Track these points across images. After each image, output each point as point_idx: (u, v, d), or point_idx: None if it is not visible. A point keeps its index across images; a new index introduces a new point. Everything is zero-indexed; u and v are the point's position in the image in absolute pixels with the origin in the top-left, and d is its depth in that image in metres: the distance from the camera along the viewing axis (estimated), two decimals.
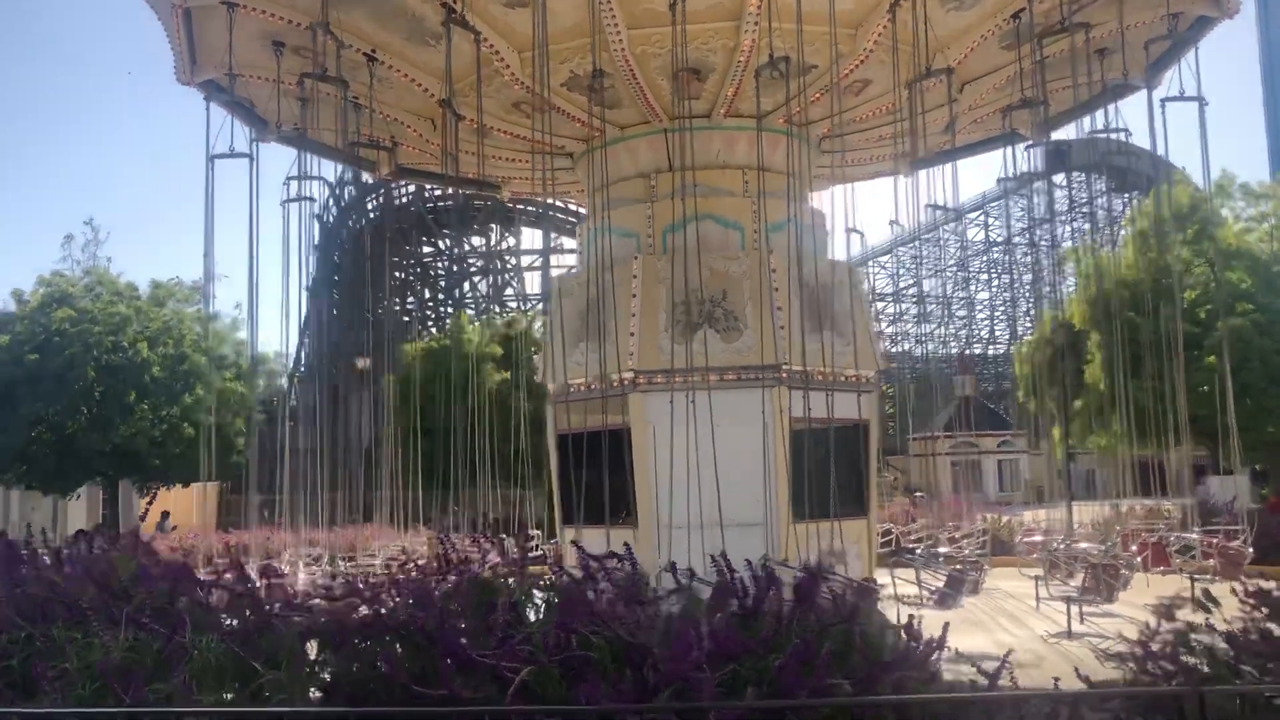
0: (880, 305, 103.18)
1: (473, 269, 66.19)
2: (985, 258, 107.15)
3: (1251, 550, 19.18)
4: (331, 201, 61.46)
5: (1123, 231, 38.96)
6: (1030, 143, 22.30)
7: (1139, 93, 20.37)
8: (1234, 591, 8.04)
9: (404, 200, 63.29)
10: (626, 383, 17.90)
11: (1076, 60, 18.70)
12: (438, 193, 60.39)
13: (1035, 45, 15.94)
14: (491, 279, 65.84)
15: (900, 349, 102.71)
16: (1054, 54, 18.71)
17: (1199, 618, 7.91)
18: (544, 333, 25.26)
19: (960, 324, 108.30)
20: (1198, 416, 31.97)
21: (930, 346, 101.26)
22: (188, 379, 36.32)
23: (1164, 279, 32.82)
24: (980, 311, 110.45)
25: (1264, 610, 7.92)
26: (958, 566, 16.41)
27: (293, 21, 16.47)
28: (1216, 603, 8.15)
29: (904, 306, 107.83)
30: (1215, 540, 18.81)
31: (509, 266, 66.64)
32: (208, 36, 17.48)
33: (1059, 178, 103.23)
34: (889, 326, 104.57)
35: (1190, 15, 18.34)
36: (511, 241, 64.95)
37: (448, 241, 63.49)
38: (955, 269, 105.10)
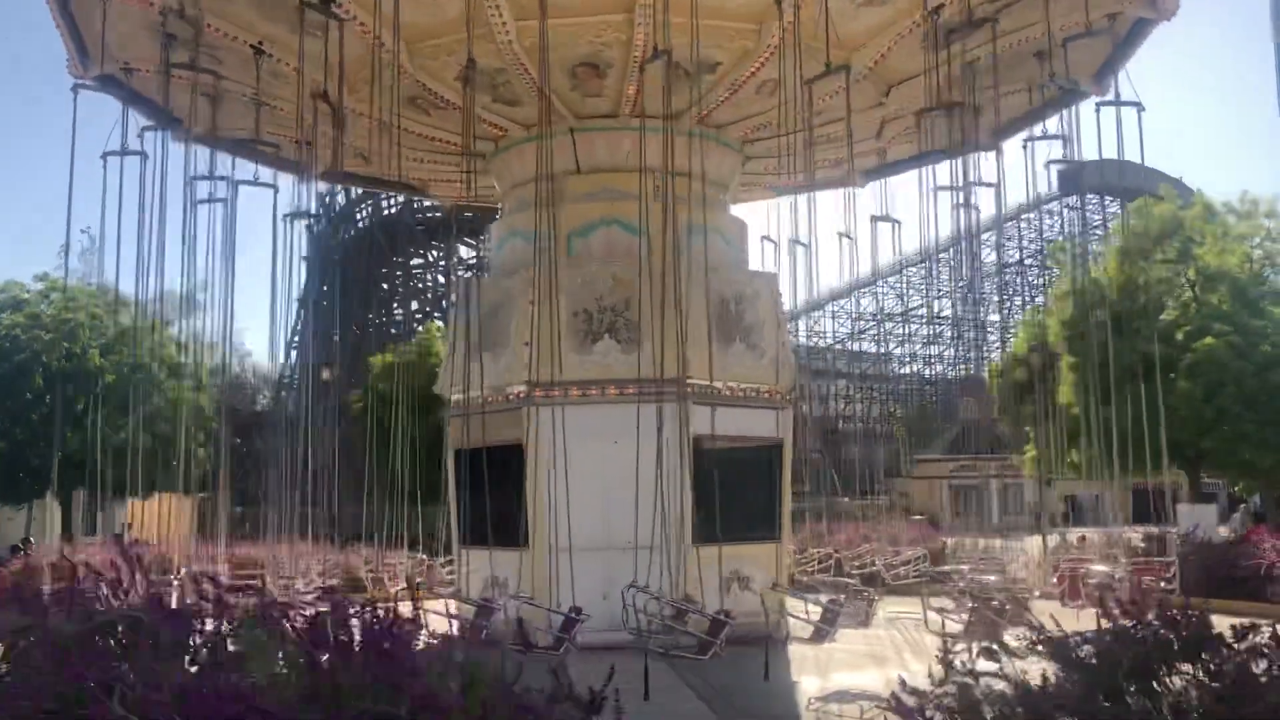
0: (889, 325, 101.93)
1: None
2: (998, 279, 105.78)
3: (1172, 585, 18.26)
4: (321, 212, 61.07)
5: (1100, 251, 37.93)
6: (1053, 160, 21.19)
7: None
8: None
9: (392, 211, 62.75)
10: (521, 396, 16.99)
11: (1018, 61, 17.94)
12: (428, 204, 59.81)
13: (945, 42, 14.96)
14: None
15: (909, 370, 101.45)
16: (987, 56, 17.85)
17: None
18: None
19: (968, 346, 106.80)
20: (1173, 441, 30.85)
21: (939, 369, 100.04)
22: (143, 388, 35.59)
23: (1141, 298, 31.78)
24: (992, 334, 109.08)
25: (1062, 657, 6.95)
26: (838, 597, 15.36)
27: (165, 10, 15.66)
28: (1009, 651, 7.17)
29: (913, 327, 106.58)
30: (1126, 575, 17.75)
31: None
32: (95, 28, 16.78)
33: (1072, 198, 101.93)
34: (898, 347, 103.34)
35: (1129, 17, 17.41)
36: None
37: (436, 253, 62.82)
38: (965, 289, 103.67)
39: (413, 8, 15.03)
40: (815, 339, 79.02)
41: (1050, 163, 20.15)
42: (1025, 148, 20.42)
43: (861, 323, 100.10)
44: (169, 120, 19.02)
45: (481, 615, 14.44)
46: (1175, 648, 6.30)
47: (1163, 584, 18.41)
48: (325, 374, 40.21)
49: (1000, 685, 6.93)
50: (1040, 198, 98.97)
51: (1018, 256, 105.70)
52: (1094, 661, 6.81)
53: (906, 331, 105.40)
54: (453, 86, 16.45)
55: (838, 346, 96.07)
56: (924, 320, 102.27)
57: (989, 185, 21.29)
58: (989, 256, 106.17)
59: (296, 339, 60.22)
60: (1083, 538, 25.46)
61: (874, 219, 21.90)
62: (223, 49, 16.89)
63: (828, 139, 19.62)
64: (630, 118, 17.58)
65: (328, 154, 20.24)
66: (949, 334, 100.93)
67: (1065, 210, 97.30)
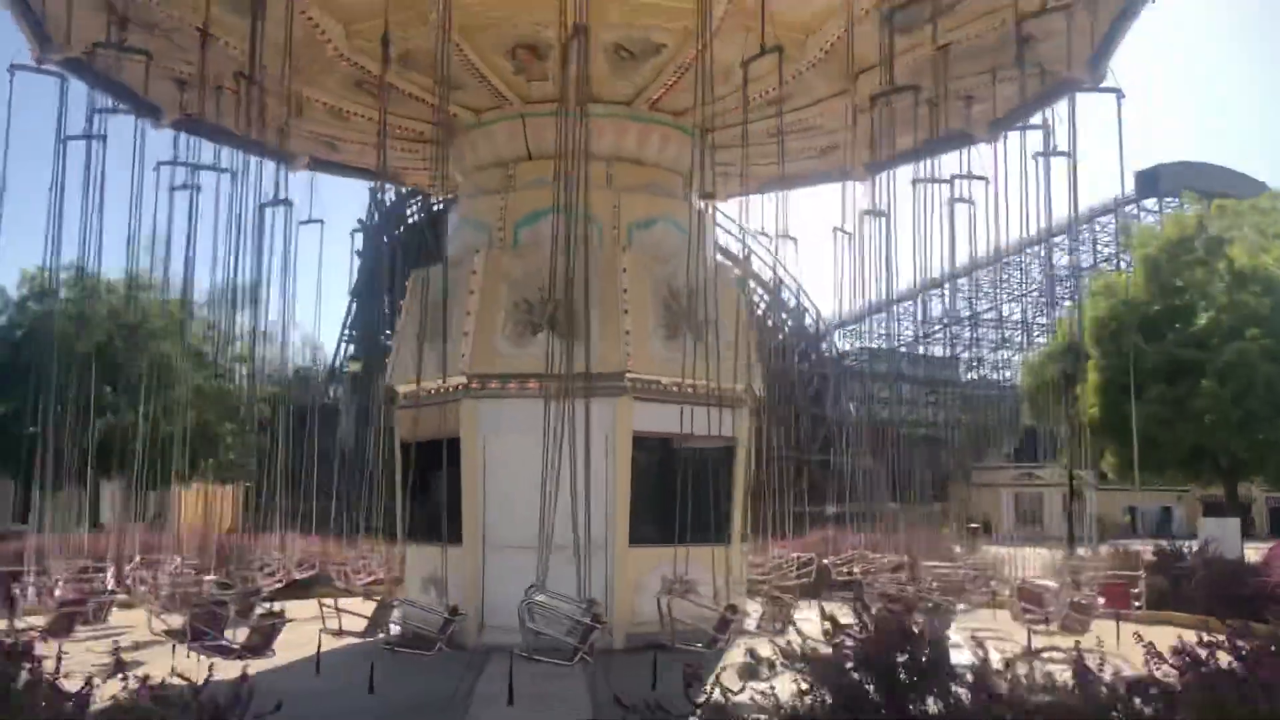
0: (955, 329, 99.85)
1: None
2: (1071, 283, 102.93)
3: (1138, 603, 17.38)
4: (372, 206, 61.20)
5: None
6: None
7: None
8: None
9: (440, 206, 62.71)
10: (459, 388, 16.52)
11: (1000, 48, 17.05)
12: None
13: (891, 22, 14.15)
14: None
15: (978, 374, 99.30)
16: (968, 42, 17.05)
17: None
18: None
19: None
20: (1199, 447, 29.46)
21: (1008, 374, 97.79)
22: (165, 376, 35.89)
23: (1174, 300, 30.46)
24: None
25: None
26: (730, 605, 14.65)
27: None
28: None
29: (982, 331, 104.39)
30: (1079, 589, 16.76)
31: None
32: (50, 10, 16.60)
33: (1150, 202, 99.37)
34: (965, 351, 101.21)
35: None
36: None
37: None
38: (1037, 294, 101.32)
39: None
40: (879, 341, 77.59)
41: (1038, 155, 19.07)
42: (1022, 136, 19.35)
43: (928, 325, 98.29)
44: (152, 110, 18.89)
45: (381, 614, 13.97)
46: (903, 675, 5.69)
47: (1134, 603, 17.45)
48: (354, 367, 40.16)
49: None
50: (1119, 200, 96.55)
51: (1092, 260, 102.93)
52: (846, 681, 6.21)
53: (974, 335, 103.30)
54: (395, 70, 15.98)
55: (902, 349, 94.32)
56: (993, 324, 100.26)
57: (979, 178, 20.40)
58: (1062, 259, 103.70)
59: (349, 333, 60.52)
60: (1097, 551, 24.29)
61: (865, 213, 21.05)
62: (175, 31, 16.65)
63: (801, 127, 18.90)
64: (608, 104, 17.07)
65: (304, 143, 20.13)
66: (1019, 338, 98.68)
67: (1142, 214, 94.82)
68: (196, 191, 19.57)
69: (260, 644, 11.58)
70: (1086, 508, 33.17)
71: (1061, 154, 19.47)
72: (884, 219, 20.15)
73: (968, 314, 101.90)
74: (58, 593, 16.05)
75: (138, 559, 19.62)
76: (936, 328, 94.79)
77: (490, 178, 17.78)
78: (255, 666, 13.72)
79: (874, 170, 21.39)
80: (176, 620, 12.67)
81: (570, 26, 13.70)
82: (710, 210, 18.78)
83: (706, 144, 17.67)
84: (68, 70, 17.88)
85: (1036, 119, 19.05)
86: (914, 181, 19.77)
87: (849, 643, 6.39)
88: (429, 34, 15.14)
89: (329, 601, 14.30)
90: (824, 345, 71.55)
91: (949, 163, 21.26)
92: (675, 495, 16.12)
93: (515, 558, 15.40)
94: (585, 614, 12.01)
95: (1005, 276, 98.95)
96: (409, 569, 17.70)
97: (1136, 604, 17.53)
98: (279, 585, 19.68)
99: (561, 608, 12.40)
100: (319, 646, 12.75)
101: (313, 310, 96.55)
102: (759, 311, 68.00)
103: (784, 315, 68.74)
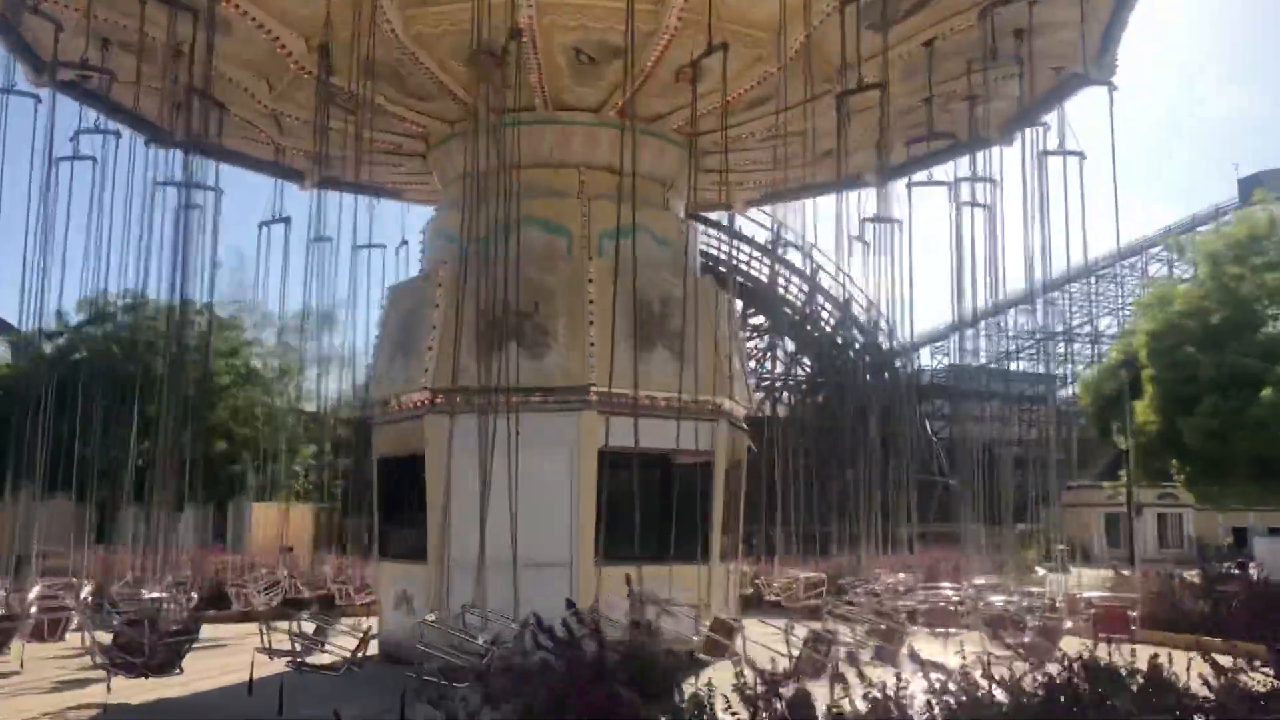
0: (1049, 345, 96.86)
1: None
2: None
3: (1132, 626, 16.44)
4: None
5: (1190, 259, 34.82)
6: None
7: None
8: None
9: None
10: (424, 404, 16.20)
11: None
12: None
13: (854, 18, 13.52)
14: None
15: (1070, 390, 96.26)
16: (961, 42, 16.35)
17: None
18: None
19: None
20: (1262, 461, 27.78)
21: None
22: (214, 397, 36.41)
23: (1238, 310, 28.90)
24: None
25: None
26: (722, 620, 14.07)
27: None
28: None
29: (1076, 346, 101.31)
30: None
31: None
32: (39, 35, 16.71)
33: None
34: (1059, 367, 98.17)
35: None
36: None
37: None
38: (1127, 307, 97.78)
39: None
40: (968, 358, 75.72)
41: (1045, 153, 18.18)
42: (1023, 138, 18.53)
43: (1020, 340, 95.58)
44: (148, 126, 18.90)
45: (317, 635, 13.61)
46: None
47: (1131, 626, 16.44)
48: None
49: None
50: (1219, 209, 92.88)
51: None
52: None
53: (1069, 350, 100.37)
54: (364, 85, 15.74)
55: (993, 366, 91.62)
56: (1087, 339, 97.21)
57: (989, 180, 19.56)
58: (1158, 270, 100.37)
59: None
60: (1129, 573, 23.09)
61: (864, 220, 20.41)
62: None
63: (796, 131, 18.25)
64: (555, 110, 16.68)
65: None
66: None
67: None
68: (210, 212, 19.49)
69: (166, 662, 11.35)
70: (1147, 526, 31.75)
71: (1074, 153, 18.62)
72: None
73: (1061, 328, 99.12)
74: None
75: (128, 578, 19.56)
76: (1029, 342, 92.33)
77: (460, 190, 17.50)
78: (195, 687, 13.81)
79: (884, 177, 20.69)
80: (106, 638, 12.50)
81: (510, 31, 13.42)
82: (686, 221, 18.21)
83: (690, 150, 17.29)
84: (64, 93, 17.98)
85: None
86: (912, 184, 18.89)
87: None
88: (386, 44, 14.98)
89: (282, 624, 14.04)
90: (900, 360, 69.85)
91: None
92: (650, 511, 15.62)
93: (474, 576, 15.04)
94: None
95: (1099, 290, 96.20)
96: (382, 586, 17.43)
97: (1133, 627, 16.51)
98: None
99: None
100: (251, 668, 12.48)
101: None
102: (827, 322, 66.92)
103: (853, 328, 67.38)
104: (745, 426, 18.70)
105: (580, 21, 14.77)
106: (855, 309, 66.14)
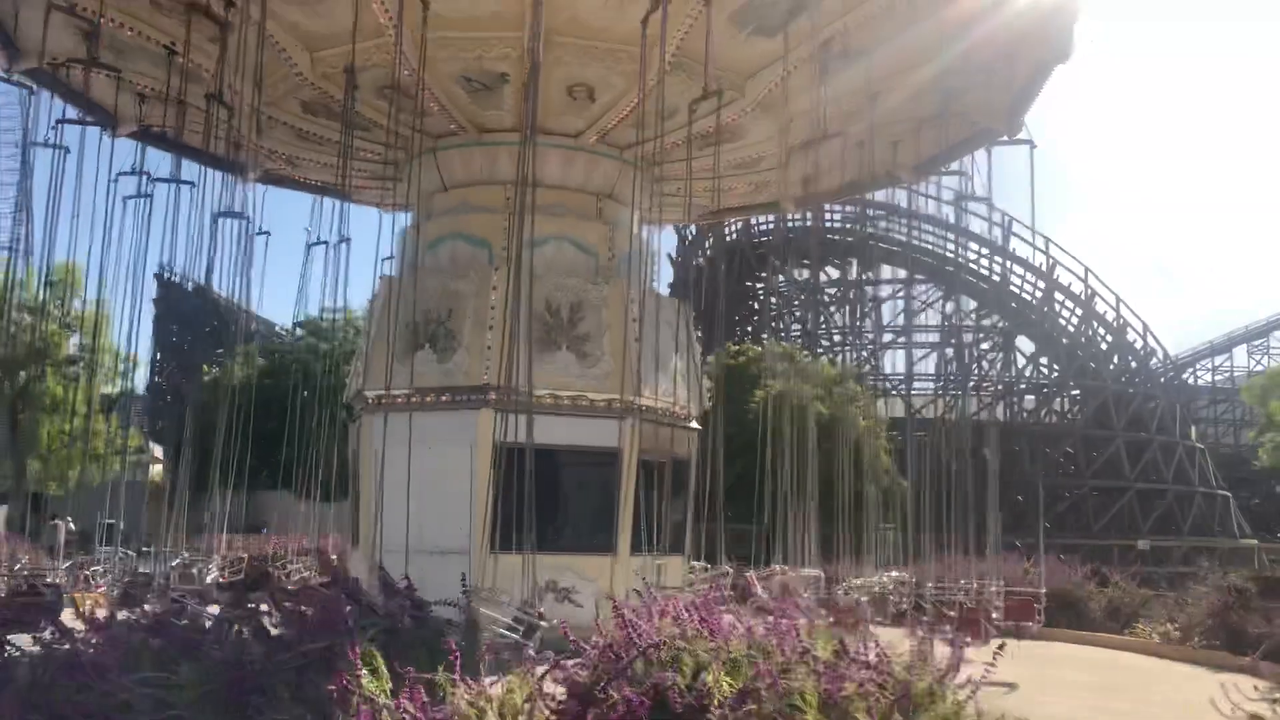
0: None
1: (825, 300, 65.41)
2: None
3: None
4: (677, 240, 63.89)
5: None
6: None
7: None
8: None
9: (732, 237, 64.12)
10: (363, 404, 17.99)
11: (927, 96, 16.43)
12: (763, 227, 60.62)
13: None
14: (851, 309, 64.72)
15: None
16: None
17: None
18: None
19: None
20: None
21: None
22: None
23: None
24: None
25: None
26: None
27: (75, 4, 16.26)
28: None
29: None
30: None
31: (867, 298, 65.00)
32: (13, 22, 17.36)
33: None
34: None
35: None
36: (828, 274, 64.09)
37: (777, 275, 62.95)
38: None
39: (306, 15, 15.89)
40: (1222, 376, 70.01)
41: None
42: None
43: None
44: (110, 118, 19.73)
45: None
46: None
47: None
48: None
49: None
50: None
51: None
52: None
53: None
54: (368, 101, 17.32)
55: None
56: None
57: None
58: None
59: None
60: None
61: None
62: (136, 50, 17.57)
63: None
64: (480, 133, 18.04)
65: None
66: None
67: None
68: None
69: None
70: None
71: (980, 199, 19.51)
72: None
73: None
74: None
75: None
76: None
77: (422, 206, 19.13)
78: None
79: (802, 205, 21.50)
80: None
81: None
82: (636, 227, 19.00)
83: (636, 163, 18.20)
84: (35, 81, 18.88)
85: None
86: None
87: None
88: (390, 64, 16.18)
89: None
90: (1155, 364, 65.27)
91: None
92: (554, 503, 16.68)
93: (394, 562, 16.58)
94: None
95: None
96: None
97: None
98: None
99: None
100: None
101: None
102: (1072, 326, 63.52)
103: (1102, 330, 63.63)
104: (695, 426, 19.26)
105: (466, 53, 16.04)
106: (1100, 307, 62.74)
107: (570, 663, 6.26)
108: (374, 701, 5.71)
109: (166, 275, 53.53)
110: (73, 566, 20.97)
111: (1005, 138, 18.92)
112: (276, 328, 56.84)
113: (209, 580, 20.32)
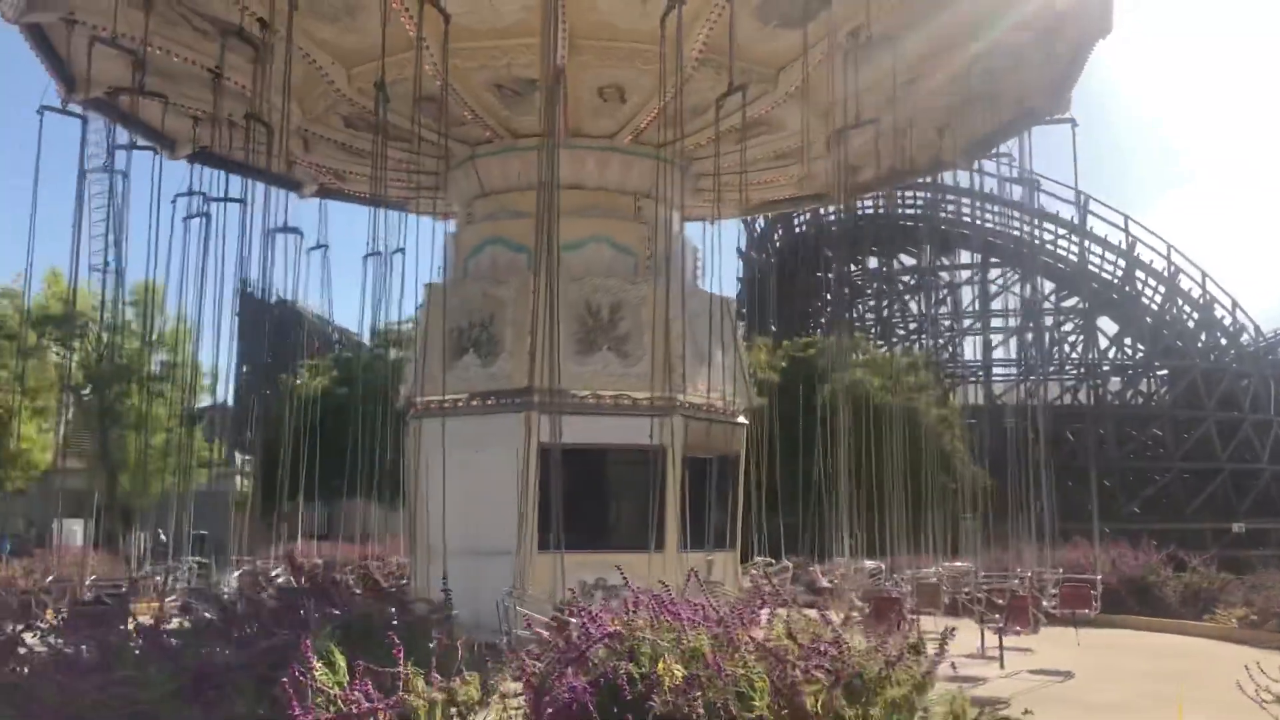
0: None
1: (899, 288, 64.73)
2: None
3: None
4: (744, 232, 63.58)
5: None
6: None
7: None
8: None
9: (801, 229, 63.64)
10: (413, 409, 18.33)
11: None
12: (830, 218, 60.02)
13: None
14: (924, 297, 63.92)
15: None
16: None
17: None
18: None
19: None
20: None
21: None
22: None
23: None
24: None
25: None
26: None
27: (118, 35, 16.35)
28: None
29: None
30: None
31: (943, 285, 64.14)
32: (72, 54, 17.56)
33: None
34: None
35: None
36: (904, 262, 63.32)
37: (846, 264, 62.26)
38: None
39: (339, 32, 16.32)
40: None
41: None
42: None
43: None
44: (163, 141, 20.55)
45: None
46: None
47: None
48: None
49: None
50: None
51: None
52: None
53: None
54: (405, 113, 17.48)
55: None
56: None
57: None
58: None
59: None
60: None
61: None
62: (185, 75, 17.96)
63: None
64: (514, 139, 18.21)
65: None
66: None
67: None
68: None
69: None
70: None
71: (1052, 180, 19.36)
72: None
73: None
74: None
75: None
76: None
77: (463, 213, 19.40)
78: None
79: (852, 194, 21.39)
80: None
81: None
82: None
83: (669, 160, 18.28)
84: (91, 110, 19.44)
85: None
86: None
87: None
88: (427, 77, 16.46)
89: None
90: (1246, 340, 63.18)
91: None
92: (597, 502, 16.83)
93: (445, 562, 16.86)
94: None
95: None
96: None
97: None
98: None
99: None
100: None
101: None
102: (1156, 305, 61.92)
103: (1188, 308, 61.87)
104: (742, 422, 19.24)
105: (495, 61, 16.26)
106: (1184, 283, 61.06)
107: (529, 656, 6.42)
108: (325, 693, 5.93)
109: (248, 290, 54.80)
110: (146, 577, 21.64)
111: (1050, 116, 18.91)
112: (353, 337, 57.92)
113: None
